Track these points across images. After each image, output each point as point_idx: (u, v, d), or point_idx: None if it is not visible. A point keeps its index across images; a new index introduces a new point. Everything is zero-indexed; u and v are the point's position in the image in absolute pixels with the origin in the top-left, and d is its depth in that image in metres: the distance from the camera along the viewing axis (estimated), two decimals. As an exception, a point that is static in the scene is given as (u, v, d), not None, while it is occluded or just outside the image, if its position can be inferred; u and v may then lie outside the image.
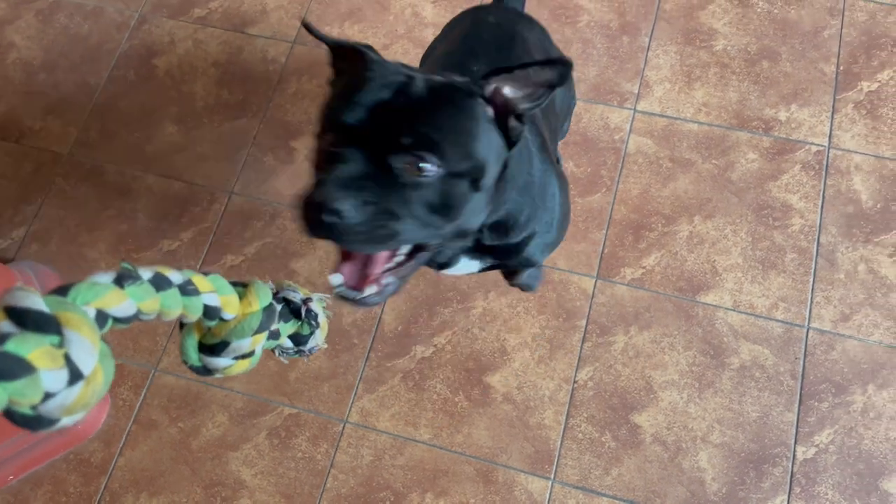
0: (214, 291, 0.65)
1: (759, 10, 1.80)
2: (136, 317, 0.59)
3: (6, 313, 0.51)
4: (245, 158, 1.76)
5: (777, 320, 1.51)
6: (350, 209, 0.72)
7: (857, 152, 1.64)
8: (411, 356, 1.55)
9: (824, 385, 1.46)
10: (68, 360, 0.51)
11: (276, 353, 0.80)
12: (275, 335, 0.74)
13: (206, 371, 0.71)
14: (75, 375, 0.51)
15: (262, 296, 0.70)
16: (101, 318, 0.56)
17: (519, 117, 0.82)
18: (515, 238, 0.99)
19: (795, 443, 1.43)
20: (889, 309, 1.51)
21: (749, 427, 1.44)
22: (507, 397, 1.50)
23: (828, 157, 1.64)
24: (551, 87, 0.79)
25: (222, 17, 1.93)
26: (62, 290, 0.55)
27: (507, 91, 0.80)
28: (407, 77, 0.79)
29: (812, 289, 1.54)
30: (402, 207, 0.76)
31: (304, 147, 1.76)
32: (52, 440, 1.48)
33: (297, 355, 0.81)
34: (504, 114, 0.82)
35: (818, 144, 1.65)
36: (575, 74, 1.76)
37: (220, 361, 0.69)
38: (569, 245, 1.60)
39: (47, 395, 0.50)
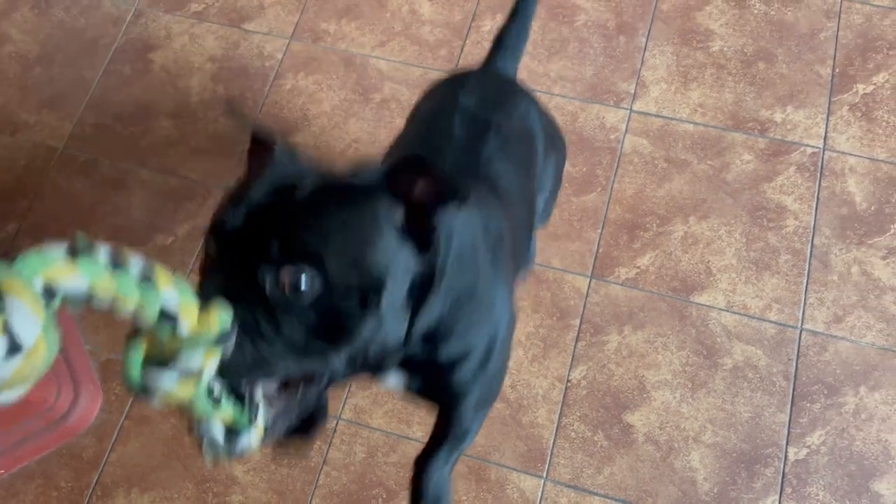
0: (175, 291, 0.58)
1: (755, 11, 1.80)
2: (88, 296, 0.54)
3: None
4: (240, 154, 1.75)
5: (770, 321, 1.52)
6: None
7: (851, 154, 1.65)
8: (405, 354, 1.55)
9: (817, 386, 1.47)
10: (7, 328, 0.48)
11: (203, 447, 0.69)
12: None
13: (144, 391, 0.62)
14: (14, 346, 0.48)
15: (222, 318, 0.61)
16: (49, 291, 0.52)
17: (433, 227, 0.68)
18: (446, 353, 0.83)
19: (787, 443, 1.43)
20: (882, 311, 1.51)
21: (741, 427, 1.45)
22: (501, 396, 1.50)
23: (822, 158, 1.65)
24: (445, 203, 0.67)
25: (219, 12, 1.92)
26: (9, 260, 0.52)
27: (422, 190, 0.67)
28: (301, 174, 0.68)
29: (805, 290, 1.54)
30: (273, 331, 0.63)
31: (301, 144, 1.76)
32: (43, 435, 1.48)
33: (225, 454, 0.69)
34: (420, 216, 0.68)
35: (813, 146, 1.66)
36: (572, 73, 1.76)
37: (163, 378, 0.60)
38: (563, 244, 1.60)
39: None
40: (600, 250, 1.60)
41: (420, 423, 1.49)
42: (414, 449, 1.47)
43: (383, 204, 0.67)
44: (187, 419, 0.67)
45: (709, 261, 1.58)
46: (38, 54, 1.92)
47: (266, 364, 0.64)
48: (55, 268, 0.52)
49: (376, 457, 1.47)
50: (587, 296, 1.56)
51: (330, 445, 1.48)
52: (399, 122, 1.75)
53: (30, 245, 1.70)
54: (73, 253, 0.53)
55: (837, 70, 1.73)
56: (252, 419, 0.68)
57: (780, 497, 1.40)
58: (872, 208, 1.60)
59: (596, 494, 1.42)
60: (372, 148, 1.73)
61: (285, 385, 0.71)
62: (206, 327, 0.59)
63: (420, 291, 0.71)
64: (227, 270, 0.64)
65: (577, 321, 1.54)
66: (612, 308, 1.55)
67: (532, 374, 1.51)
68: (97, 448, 1.52)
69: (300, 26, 1.89)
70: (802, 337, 1.50)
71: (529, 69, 1.78)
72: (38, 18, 1.97)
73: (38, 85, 1.88)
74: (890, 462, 1.40)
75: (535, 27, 1.82)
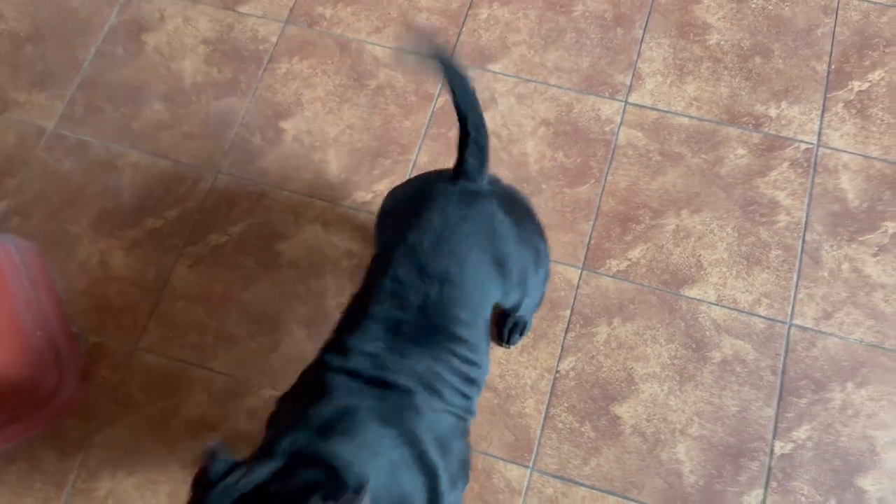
0: None
1: (753, 5, 1.80)
2: None
3: None
4: (233, 138, 1.74)
5: (760, 316, 1.52)
6: None
7: (845, 151, 1.65)
8: (394, 341, 1.54)
9: (804, 381, 1.47)
10: None
11: None
12: None
13: None
14: None
15: None
16: None
17: None
18: None
19: (773, 438, 1.44)
20: (871, 308, 1.52)
21: (728, 421, 1.45)
22: (489, 385, 1.50)
23: (816, 155, 1.65)
24: None
25: (214, -6, 1.90)
26: None
27: None
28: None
29: (795, 286, 1.54)
30: None
31: (294, 128, 1.74)
32: (29, 417, 1.47)
33: None
34: None
35: (807, 142, 1.66)
36: (568, 64, 1.76)
37: None
38: (555, 235, 1.60)
39: None
40: (592, 242, 1.60)
41: None
42: None
43: None
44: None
45: (700, 254, 1.58)
46: (30, 32, 1.90)
47: None
48: None
49: None
50: (578, 287, 1.56)
51: None
52: (393, 110, 1.74)
53: (17, 225, 1.67)
54: None
55: (833, 66, 1.73)
56: None
57: (766, 491, 1.40)
58: (864, 205, 1.60)
59: (582, 485, 1.42)
60: (366, 134, 1.72)
61: None
62: None
63: None
64: None
65: (568, 312, 1.54)
66: (603, 300, 1.55)
67: (521, 365, 1.51)
68: (83, 430, 1.51)
69: (295, 10, 1.87)
70: (791, 332, 1.51)
71: (525, 58, 1.77)
72: (31, -4, 1.94)
73: (30, 63, 1.86)
74: (875, 458, 1.41)
75: (533, 16, 1.81)
